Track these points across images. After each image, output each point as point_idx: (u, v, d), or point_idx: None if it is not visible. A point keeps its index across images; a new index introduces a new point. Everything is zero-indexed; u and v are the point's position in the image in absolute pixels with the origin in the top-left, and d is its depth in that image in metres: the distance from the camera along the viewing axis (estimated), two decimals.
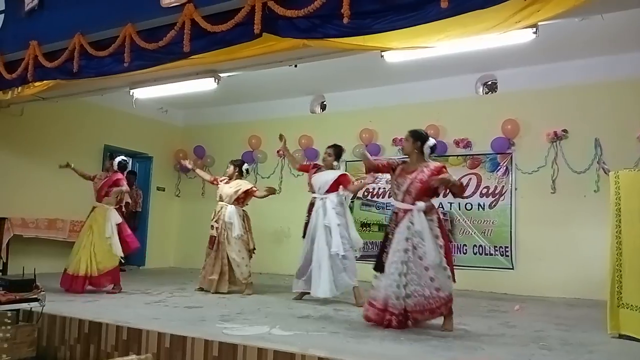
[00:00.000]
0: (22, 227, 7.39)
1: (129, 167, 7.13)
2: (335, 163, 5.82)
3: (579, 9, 3.60)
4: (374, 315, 4.25)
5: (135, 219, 9.41)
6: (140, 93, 6.45)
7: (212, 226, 6.40)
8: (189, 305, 5.19)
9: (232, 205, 6.34)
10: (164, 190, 10.14)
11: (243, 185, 6.46)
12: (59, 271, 6.07)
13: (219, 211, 6.41)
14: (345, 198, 5.78)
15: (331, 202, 5.60)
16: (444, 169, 4.28)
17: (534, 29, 4.01)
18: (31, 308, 4.21)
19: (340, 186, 5.69)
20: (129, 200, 9.07)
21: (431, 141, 4.43)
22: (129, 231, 6.28)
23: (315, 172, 5.87)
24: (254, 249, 6.46)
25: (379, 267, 4.28)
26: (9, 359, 3.76)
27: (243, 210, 6.49)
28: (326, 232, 5.49)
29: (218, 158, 9.89)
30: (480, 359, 3.40)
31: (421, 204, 4.18)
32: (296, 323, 4.36)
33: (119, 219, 6.19)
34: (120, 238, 6.07)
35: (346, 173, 5.94)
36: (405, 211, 4.24)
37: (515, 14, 3.65)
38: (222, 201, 6.44)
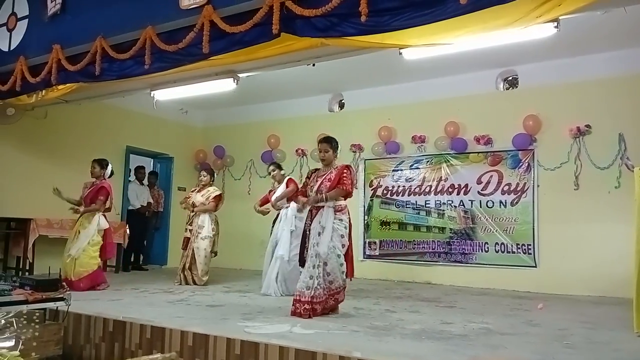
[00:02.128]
0: (47, 228, 7.52)
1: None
2: (282, 173, 6.71)
3: (601, 2, 3.54)
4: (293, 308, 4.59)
5: (157, 219, 9.54)
6: (161, 94, 6.53)
7: (185, 229, 7.08)
8: (211, 304, 5.25)
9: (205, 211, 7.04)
10: (184, 190, 10.22)
11: (212, 192, 7.16)
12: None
13: (192, 216, 7.04)
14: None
15: (292, 210, 6.09)
16: (345, 170, 4.74)
17: (555, 24, 3.94)
18: (57, 307, 4.28)
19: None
20: (151, 201, 9.20)
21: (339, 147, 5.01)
22: (111, 239, 6.47)
23: (272, 194, 6.57)
24: (216, 252, 7.16)
25: (301, 262, 4.71)
26: (37, 357, 3.83)
27: (215, 215, 7.17)
28: (289, 236, 6.07)
29: (237, 158, 9.97)
30: (503, 358, 3.37)
31: (331, 202, 4.61)
32: (317, 321, 4.36)
33: (106, 225, 6.32)
34: (103, 242, 6.28)
35: (291, 177, 6.58)
36: (318, 208, 4.68)
37: (536, 9, 3.60)
38: (195, 207, 7.08)
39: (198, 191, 7.20)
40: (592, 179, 6.86)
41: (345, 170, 4.75)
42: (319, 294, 4.49)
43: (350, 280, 4.77)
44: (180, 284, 6.80)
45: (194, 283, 6.80)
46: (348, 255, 4.67)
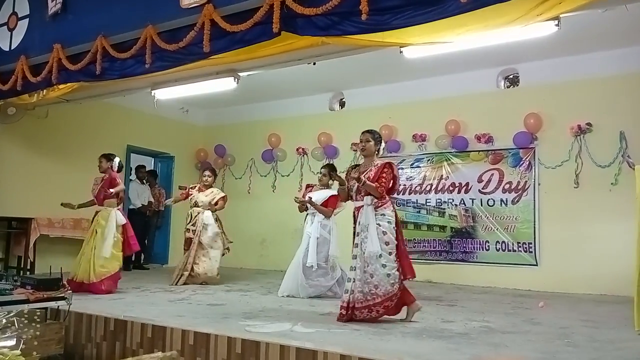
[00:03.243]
0: (49, 227, 7.55)
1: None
2: (330, 182, 6.23)
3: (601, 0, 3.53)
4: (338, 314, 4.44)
5: (158, 218, 9.55)
6: (162, 94, 6.53)
7: (188, 229, 7.03)
8: (212, 303, 5.25)
9: (208, 211, 7.05)
10: (185, 189, 10.25)
11: (217, 193, 7.24)
12: (72, 274, 5.99)
13: (195, 216, 7.02)
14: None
15: (319, 217, 6.04)
16: (385, 168, 4.40)
17: (556, 22, 3.93)
18: (58, 306, 4.29)
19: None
20: (152, 200, 9.21)
21: (383, 142, 4.70)
22: (132, 232, 6.21)
23: (309, 192, 6.29)
24: (228, 248, 7.18)
25: None
26: (38, 356, 3.83)
27: (216, 214, 7.16)
28: (307, 242, 5.99)
29: (238, 157, 9.98)
30: (505, 357, 3.37)
31: (368, 199, 4.35)
32: (318, 320, 4.37)
33: (123, 220, 6.09)
34: (123, 239, 6.05)
35: (336, 195, 6.04)
36: (359, 208, 4.44)
37: (537, 7, 3.60)
38: (197, 207, 7.08)
39: (200, 190, 7.19)
40: (593, 177, 6.85)
41: (385, 169, 4.37)
42: (358, 298, 4.23)
43: (410, 280, 4.36)
44: (177, 284, 6.68)
45: (203, 283, 6.75)
46: (400, 252, 4.31)
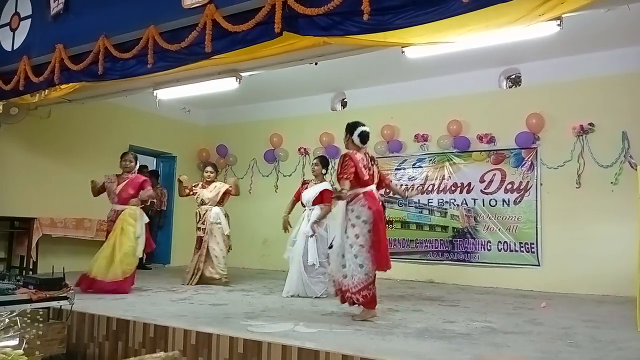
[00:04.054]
0: (51, 227, 7.56)
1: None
2: (323, 171, 6.31)
3: None
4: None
5: (160, 218, 9.56)
6: (164, 94, 6.53)
7: (198, 228, 6.97)
8: (214, 303, 5.26)
9: (216, 207, 6.98)
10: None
11: (221, 187, 7.13)
12: (87, 270, 6.05)
13: (204, 214, 6.96)
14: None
15: (315, 215, 5.97)
16: (341, 158, 4.56)
17: (558, 21, 3.93)
18: (61, 306, 4.29)
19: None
20: (154, 200, 9.21)
21: (358, 129, 4.65)
22: (149, 233, 6.29)
23: (305, 189, 6.27)
24: (230, 247, 7.09)
25: None
26: (41, 356, 3.84)
27: (224, 209, 7.12)
28: (305, 241, 5.95)
29: (240, 157, 9.98)
30: (507, 357, 3.37)
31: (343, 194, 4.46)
32: (320, 320, 4.37)
33: (147, 219, 6.20)
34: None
35: (328, 188, 6.11)
36: None
37: (539, 7, 3.60)
38: (204, 204, 7.01)
39: (203, 187, 7.12)
40: (596, 177, 6.84)
41: (342, 160, 4.54)
42: (340, 283, 4.46)
43: (381, 271, 4.45)
44: (188, 284, 6.67)
45: (213, 283, 6.71)
46: (374, 244, 4.34)
